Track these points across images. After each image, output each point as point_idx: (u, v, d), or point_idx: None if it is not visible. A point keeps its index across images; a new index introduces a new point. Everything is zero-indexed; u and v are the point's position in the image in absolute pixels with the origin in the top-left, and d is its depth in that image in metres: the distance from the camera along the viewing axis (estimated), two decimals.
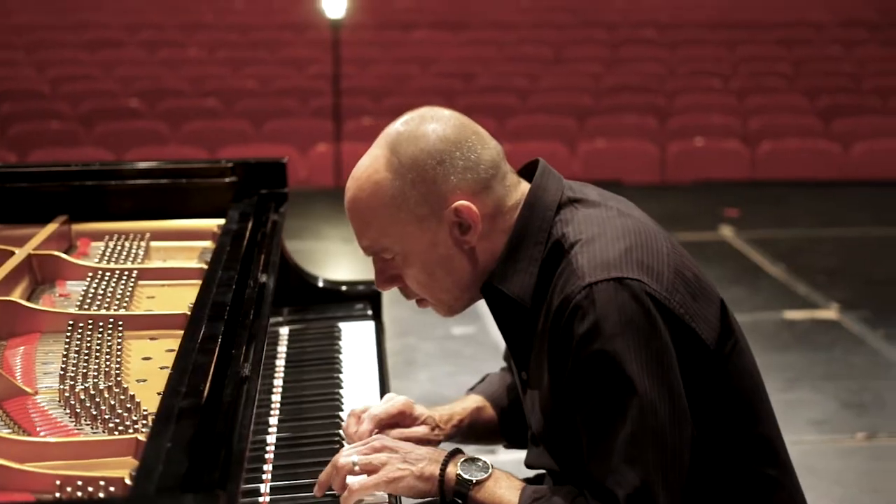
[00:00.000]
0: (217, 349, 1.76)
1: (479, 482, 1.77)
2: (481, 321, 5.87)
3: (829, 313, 6.14)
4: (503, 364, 2.29)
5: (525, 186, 1.85)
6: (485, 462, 1.80)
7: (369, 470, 1.79)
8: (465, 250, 1.80)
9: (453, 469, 1.79)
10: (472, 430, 2.17)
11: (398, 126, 1.81)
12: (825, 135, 10.36)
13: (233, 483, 1.46)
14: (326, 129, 10.01)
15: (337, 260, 7.07)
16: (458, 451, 1.84)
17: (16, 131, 9.99)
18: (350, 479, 1.79)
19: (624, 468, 1.65)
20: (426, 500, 1.85)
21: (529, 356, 1.85)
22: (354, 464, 1.79)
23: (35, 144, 9.54)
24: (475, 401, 2.19)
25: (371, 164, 1.81)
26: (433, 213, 1.77)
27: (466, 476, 1.78)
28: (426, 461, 1.80)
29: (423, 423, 2.08)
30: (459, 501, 1.78)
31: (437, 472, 1.79)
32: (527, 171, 1.90)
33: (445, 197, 1.77)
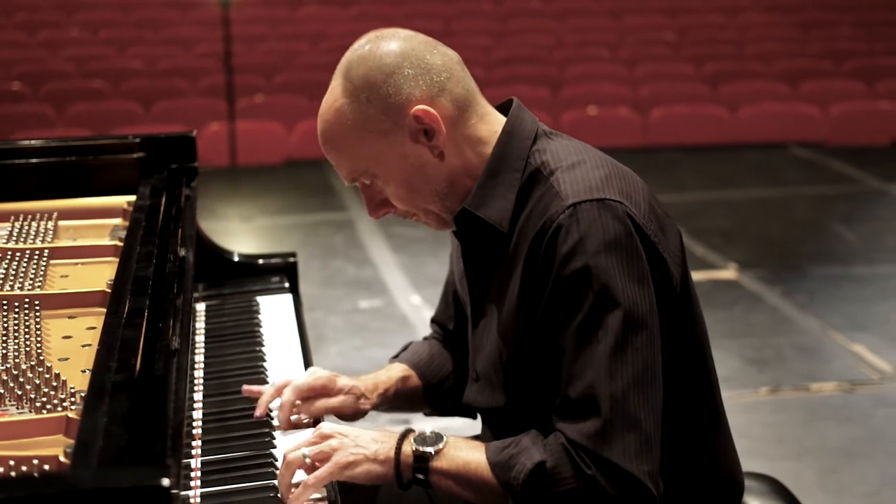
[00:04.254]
0: (144, 323, 1.73)
1: (438, 451, 1.74)
2: (388, 295, 5.87)
3: (728, 273, 6.28)
4: (424, 334, 2.30)
5: (501, 118, 1.87)
6: (436, 433, 1.78)
7: (321, 459, 1.75)
8: (436, 156, 1.81)
9: (408, 447, 1.75)
10: (398, 399, 2.16)
11: (349, 53, 1.84)
12: (712, 100, 10.56)
13: (176, 454, 1.43)
14: (218, 108, 9.86)
15: (236, 238, 6.99)
16: (409, 431, 1.80)
17: None
18: (303, 475, 1.76)
19: (605, 382, 1.65)
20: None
21: (490, 285, 1.84)
22: (305, 456, 1.76)
23: None
24: (400, 370, 2.18)
25: (330, 95, 1.84)
26: (396, 125, 1.79)
27: (425, 448, 1.74)
28: (379, 444, 1.77)
29: (349, 392, 2.07)
30: (421, 477, 1.75)
31: (392, 453, 1.75)
32: (502, 108, 1.91)
33: (402, 107, 1.78)
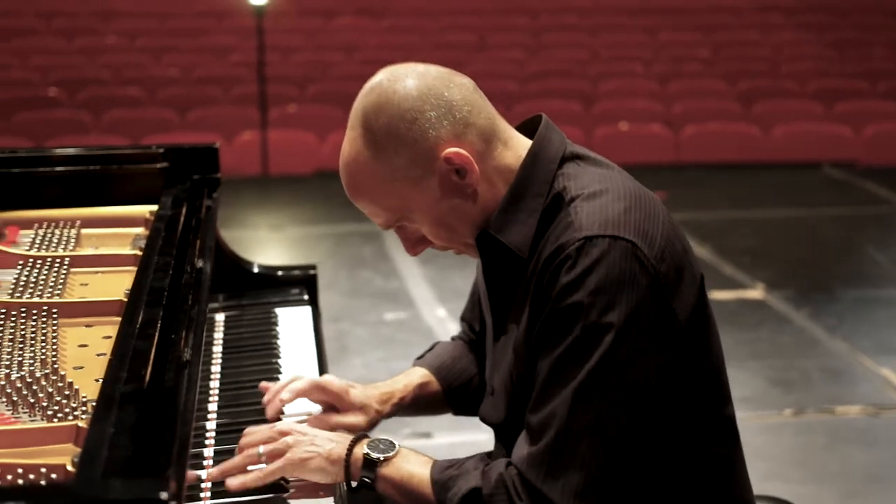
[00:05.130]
0: (157, 334, 1.74)
1: (387, 459, 1.79)
2: (414, 307, 5.89)
3: (755, 293, 6.24)
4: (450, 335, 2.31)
5: (525, 141, 1.83)
6: (391, 441, 1.82)
7: (276, 455, 1.80)
8: (468, 194, 1.77)
9: (360, 450, 1.80)
10: (415, 406, 2.18)
11: (362, 99, 1.79)
12: (745, 118, 10.52)
13: (179, 466, 1.44)
14: (251, 117, 9.93)
15: (265, 247, 7.03)
16: (364, 436, 1.85)
17: None
18: (253, 469, 1.80)
19: (563, 414, 1.64)
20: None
21: (511, 305, 1.83)
22: (260, 455, 1.80)
23: None
24: (419, 375, 2.19)
25: (352, 148, 1.79)
26: (426, 171, 1.75)
27: (374, 454, 1.79)
28: (334, 444, 1.81)
29: (361, 411, 2.09)
30: (368, 480, 1.79)
31: (344, 453, 1.79)
32: (529, 125, 1.88)
33: (431, 151, 1.74)
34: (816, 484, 4.04)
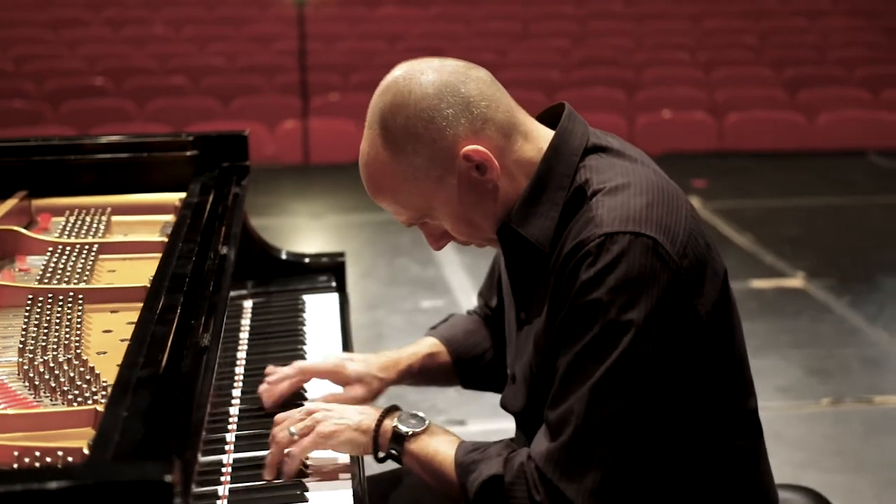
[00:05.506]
0: (176, 320, 1.76)
1: (415, 434, 1.80)
2: (450, 294, 5.90)
3: (796, 282, 6.19)
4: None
5: (546, 133, 1.82)
6: (422, 417, 1.83)
7: (307, 432, 1.82)
8: (489, 190, 1.76)
9: (389, 422, 1.82)
10: (423, 374, 2.20)
11: (378, 98, 1.78)
12: (790, 106, 10.42)
13: (190, 451, 1.46)
14: (293, 106, 9.97)
15: (304, 235, 7.07)
16: (395, 408, 1.86)
17: None
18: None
19: (581, 411, 1.64)
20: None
21: (534, 297, 1.82)
22: (292, 434, 1.82)
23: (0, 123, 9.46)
24: (428, 345, 2.22)
25: (371, 148, 1.79)
26: (446, 169, 1.74)
27: (404, 428, 1.81)
28: (363, 416, 1.84)
29: (360, 381, 2.11)
30: (395, 453, 1.81)
31: (374, 424, 1.82)
32: (552, 113, 1.87)
33: (450, 149, 1.73)
34: (853, 474, 4.01)
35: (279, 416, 1.90)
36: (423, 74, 1.75)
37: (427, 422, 1.82)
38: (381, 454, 1.83)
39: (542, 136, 1.81)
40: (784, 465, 3.92)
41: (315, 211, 7.91)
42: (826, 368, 4.98)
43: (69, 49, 11.25)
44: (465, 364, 2.21)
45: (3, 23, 11.70)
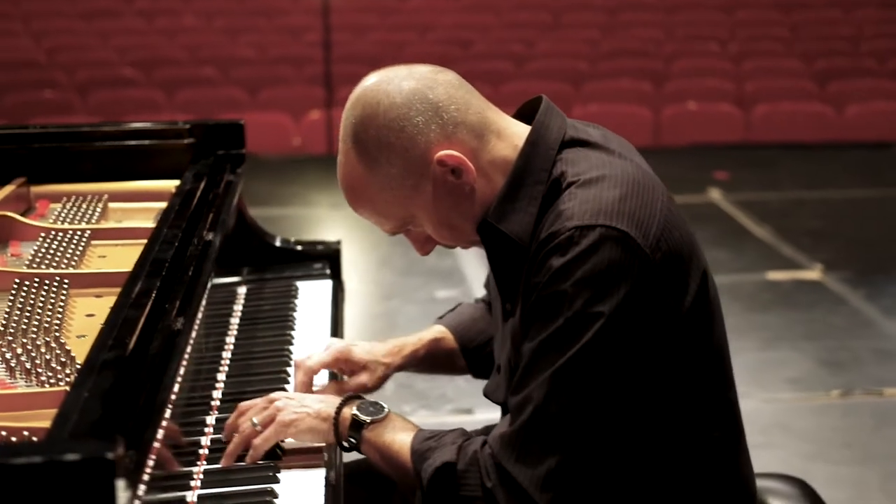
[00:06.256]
0: (150, 304, 1.79)
1: (374, 422, 1.82)
2: (465, 285, 5.92)
3: (812, 274, 6.16)
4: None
5: (521, 129, 1.82)
6: (381, 405, 1.85)
7: (268, 423, 1.85)
8: (467, 192, 1.77)
9: (349, 410, 1.84)
10: (429, 361, 2.21)
11: (349, 114, 1.79)
12: (819, 98, 10.34)
13: (148, 431, 1.50)
14: (319, 97, 10.02)
15: (324, 225, 7.11)
16: (357, 397, 1.89)
17: (11, 100, 10.01)
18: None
19: (539, 397, 1.65)
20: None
21: (518, 290, 1.83)
22: (255, 424, 1.85)
23: (30, 113, 9.56)
24: (434, 331, 2.23)
25: (346, 161, 1.81)
26: (422, 176, 1.76)
27: (362, 416, 1.83)
28: (323, 404, 1.87)
29: (364, 368, 2.13)
30: (354, 441, 1.83)
31: (333, 412, 1.84)
32: (530, 108, 1.87)
33: (423, 157, 1.75)
34: (860, 465, 4.00)
35: (242, 405, 1.92)
36: (391, 84, 1.76)
37: (386, 410, 1.84)
38: (345, 443, 1.85)
39: (517, 132, 1.82)
40: (792, 456, 3.92)
41: (336, 201, 7.94)
42: (838, 360, 4.96)
43: (101, 40, 11.35)
44: (470, 352, 2.23)
45: (37, 14, 11.82)
